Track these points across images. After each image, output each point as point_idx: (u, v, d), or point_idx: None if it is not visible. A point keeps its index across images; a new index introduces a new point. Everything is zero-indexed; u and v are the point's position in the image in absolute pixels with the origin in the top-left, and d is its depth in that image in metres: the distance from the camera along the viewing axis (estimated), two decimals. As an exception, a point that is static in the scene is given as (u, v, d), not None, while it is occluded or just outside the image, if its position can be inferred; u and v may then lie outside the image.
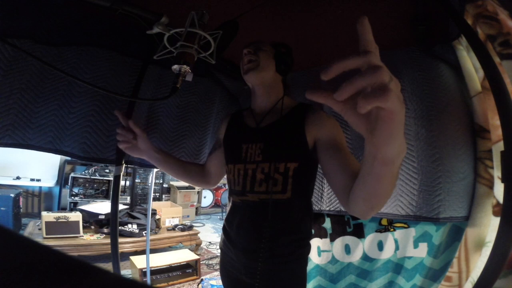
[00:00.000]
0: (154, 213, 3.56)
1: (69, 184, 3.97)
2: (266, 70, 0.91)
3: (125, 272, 2.73)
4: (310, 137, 0.83)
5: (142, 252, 2.83)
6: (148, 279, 2.37)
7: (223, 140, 1.04)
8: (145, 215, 3.29)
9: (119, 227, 2.02)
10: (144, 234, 3.06)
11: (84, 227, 2.97)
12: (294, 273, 0.87)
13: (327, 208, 1.33)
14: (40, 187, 4.18)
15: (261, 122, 0.92)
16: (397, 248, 1.22)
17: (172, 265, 2.70)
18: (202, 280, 2.65)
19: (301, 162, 0.83)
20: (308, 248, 0.92)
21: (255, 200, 0.85)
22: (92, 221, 3.20)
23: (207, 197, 6.36)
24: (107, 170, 4.30)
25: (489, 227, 0.94)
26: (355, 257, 1.33)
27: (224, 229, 0.99)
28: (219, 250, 1.07)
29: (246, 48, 0.93)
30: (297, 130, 0.84)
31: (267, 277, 0.83)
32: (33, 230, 3.01)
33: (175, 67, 0.81)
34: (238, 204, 0.90)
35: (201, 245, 3.74)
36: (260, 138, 0.88)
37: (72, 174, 4.05)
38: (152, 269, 2.44)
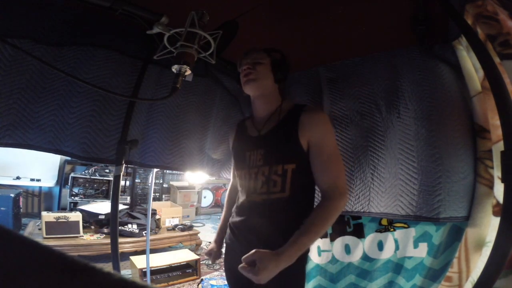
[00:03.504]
0: (154, 213, 3.56)
1: (69, 184, 3.97)
2: (265, 82, 0.97)
3: (125, 272, 2.73)
4: (304, 139, 0.91)
5: (142, 252, 2.82)
6: (148, 279, 2.37)
7: (232, 149, 1.13)
8: (145, 215, 3.29)
9: (119, 227, 2.02)
10: (144, 234, 3.06)
11: (84, 227, 2.96)
12: (293, 270, 0.88)
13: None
14: (40, 187, 4.17)
15: (261, 129, 1.00)
16: (397, 248, 1.22)
17: (172, 265, 2.69)
18: (202, 280, 2.64)
19: (299, 163, 0.91)
20: None
21: (258, 200, 0.94)
22: (92, 221, 3.19)
23: (207, 197, 6.36)
24: (107, 170, 4.29)
25: (489, 227, 0.93)
26: (355, 257, 1.33)
27: (230, 227, 1.05)
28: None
29: (245, 63, 0.97)
30: (291, 134, 0.92)
31: None
32: (33, 230, 3.00)
33: (175, 67, 0.81)
34: (245, 204, 0.99)
35: (201, 245, 3.73)
36: (260, 145, 0.97)
37: (72, 174, 4.04)
38: (152, 269, 2.43)
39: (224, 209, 1.24)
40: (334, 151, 0.92)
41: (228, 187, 1.27)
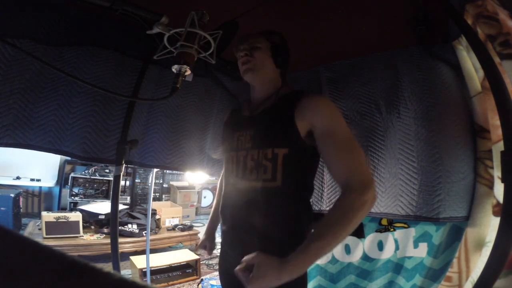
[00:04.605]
0: (154, 213, 3.56)
1: (69, 184, 3.96)
2: (264, 69, 0.90)
3: (125, 272, 2.72)
4: (302, 122, 0.79)
5: (142, 252, 2.82)
6: (148, 279, 2.37)
7: (222, 130, 1.04)
8: (145, 215, 3.29)
9: (119, 227, 2.02)
10: (144, 234, 3.06)
11: (84, 227, 2.96)
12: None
13: (327, 208, 1.33)
14: (40, 187, 4.17)
15: (255, 111, 0.92)
16: (397, 248, 1.22)
17: (172, 265, 2.69)
18: (202, 280, 2.64)
19: (292, 148, 0.80)
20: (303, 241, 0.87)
21: (248, 187, 0.83)
22: (92, 221, 3.19)
23: (207, 197, 6.35)
24: (107, 170, 4.29)
25: (489, 227, 0.94)
26: (355, 257, 1.33)
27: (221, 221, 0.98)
28: (219, 249, 1.08)
29: (242, 48, 0.91)
30: (285, 115, 0.81)
31: None
32: (33, 230, 3.00)
33: (175, 67, 0.81)
34: (231, 192, 0.89)
35: (201, 245, 3.73)
36: (251, 125, 0.88)
37: (72, 174, 4.04)
38: (152, 269, 2.43)
39: (216, 198, 1.14)
40: (346, 137, 0.77)
41: (221, 176, 1.15)
